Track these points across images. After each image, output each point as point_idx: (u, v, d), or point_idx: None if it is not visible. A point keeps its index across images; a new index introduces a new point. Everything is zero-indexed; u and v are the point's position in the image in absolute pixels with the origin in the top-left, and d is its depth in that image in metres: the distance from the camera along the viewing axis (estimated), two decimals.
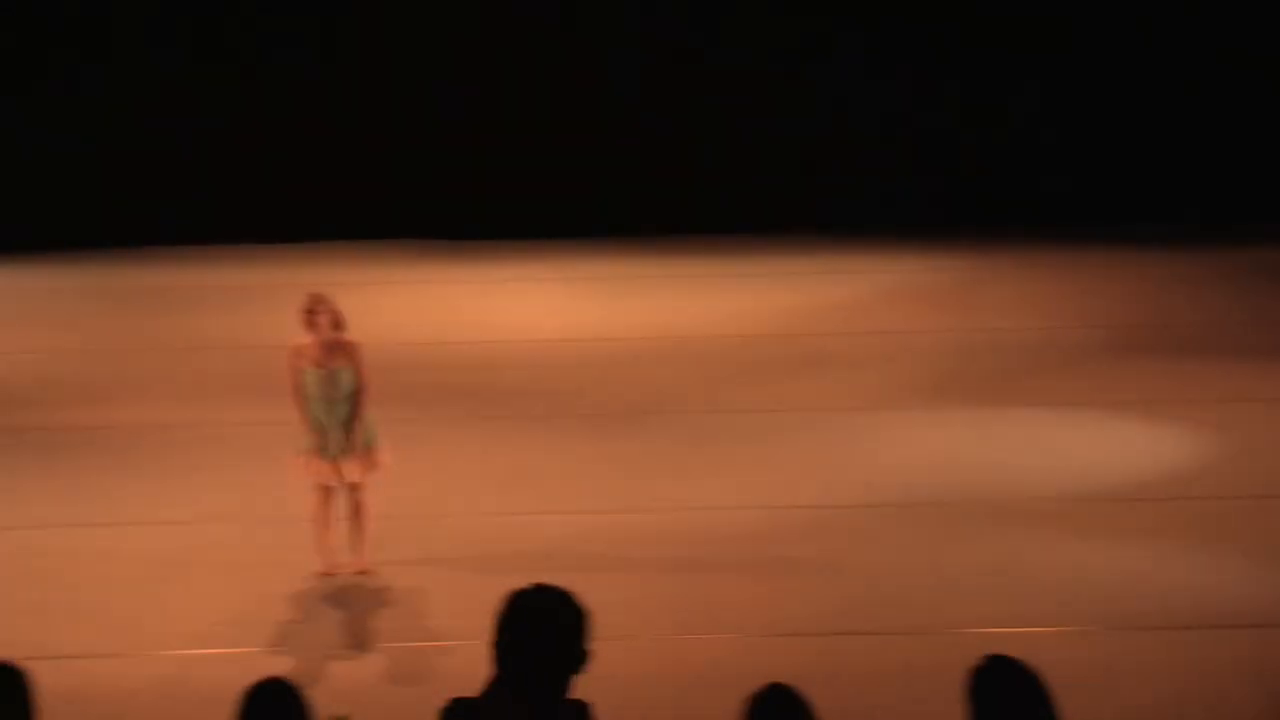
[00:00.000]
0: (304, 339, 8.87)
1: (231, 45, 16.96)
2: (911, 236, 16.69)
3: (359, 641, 8.37)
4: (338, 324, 8.85)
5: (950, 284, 15.27)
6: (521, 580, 4.09)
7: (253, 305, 14.71)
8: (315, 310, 8.81)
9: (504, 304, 14.73)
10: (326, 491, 8.92)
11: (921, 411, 11.76)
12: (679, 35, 17.05)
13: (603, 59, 17.11)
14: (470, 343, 13.53)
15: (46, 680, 4.33)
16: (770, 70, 17.14)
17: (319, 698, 4.64)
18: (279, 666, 7.82)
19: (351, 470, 8.88)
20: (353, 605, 8.77)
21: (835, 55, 17.16)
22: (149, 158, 16.93)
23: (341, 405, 8.81)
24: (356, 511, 8.99)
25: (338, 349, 8.81)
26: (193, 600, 8.75)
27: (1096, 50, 17.14)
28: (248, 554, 9.30)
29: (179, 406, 11.99)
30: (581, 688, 4.04)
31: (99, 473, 10.66)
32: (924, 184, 17.21)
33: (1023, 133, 17.23)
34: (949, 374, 12.60)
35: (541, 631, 3.84)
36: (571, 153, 17.12)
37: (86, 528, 9.74)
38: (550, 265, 15.98)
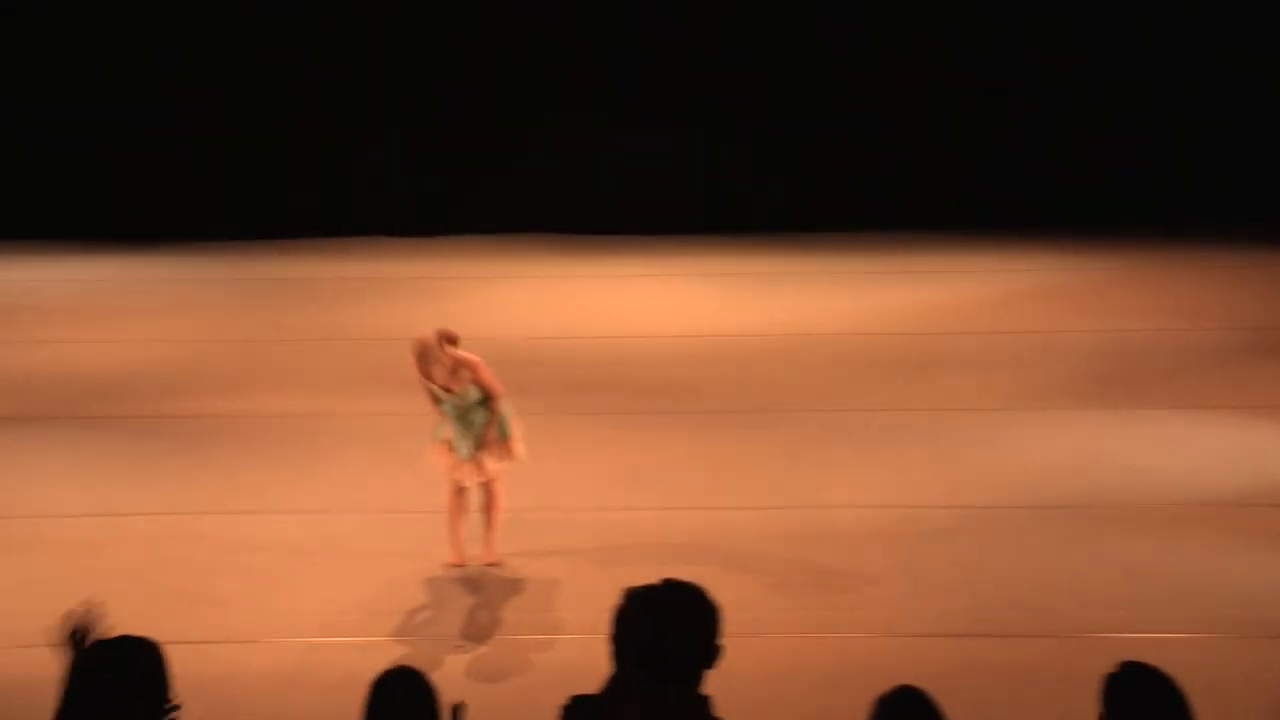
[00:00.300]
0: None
1: (375, 40, 17.11)
2: (1047, 235, 16.45)
3: (484, 632, 8.38)
4: (451, 340, 8.81)
5: (1086, 284, 15.03)
6: (648, 575, 4.05)
7: (387, 297, 14.81)
8: (424, 360, 8.73)
9: (632, 300, 14.75)
10: (460, 485, 8.94)
11: (1056, 412, 11.57)
12: (852, 30, 16.93)
13: (722, 52, 17.05)
14: (599, 338, 13.55)
15: (180, 665, 4.36)
16: (899, 66, 16.99)
17: (443, 686, 4.62)
18: (406, 655, 7.86)
19: (486, 468, 8.88)
20: (480, 596, 8.78)
21: (978, 54, 16.99)
22: (283, 150, 17.11)
23: (473, 413, 8.83)
24: (489, 504, 9.00)
25: (459, 371, 8.80)
26: (323, 588, 8.81)
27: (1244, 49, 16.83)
28: (378, 544, 9.35)
29: (315, 397, 12.09)
30: (708, 684, 3.99)
31: (235, 461, 10.77)
32: (1058, 182, 16.98)
33: (1161, 131, 16.94)
34: (1084, 375, 12.39)
35: (673, 627, 3.78)
36: (697, 149, 17.08)
37: (221, 515, 9.84)
38: (679, 261, 15.95)
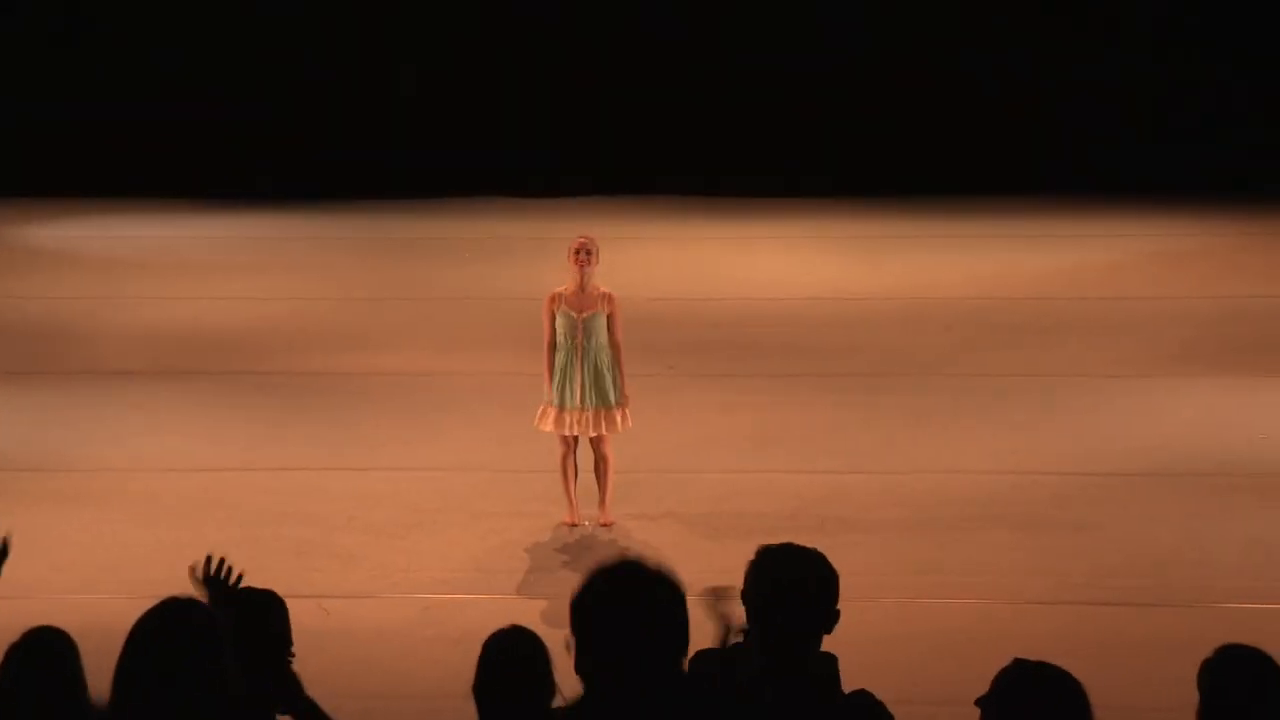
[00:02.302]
0: (563, 286, 8.83)
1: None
2: (1171, 199, 16.13)
3: None
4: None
5: (1212, 249, 14.71)
6: (766, 540, 4.00)
7: (512, 257, 14.81)
8: (588, 249, 8.76)
9: (758, 261, 14.65)
10: (570, 443, 8.91)
11: (1180, 379, 11.34)
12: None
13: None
14: (723, 299, 13.48)
15: (300, 619, 4.40)
16: (1019, 29, 16.75)
17: (556, 647, 4.59)
18: (520, 614, 7.84)
19: (593, 424, 8.84)
20: (596, 557, 8.67)
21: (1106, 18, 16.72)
22: (421, 112, 17.17)
23: (590, 355, 8.78)
24: (600, 464, 8.97)
25: (595, 296, 8.77)
26: (440, 546, 8.83)
27: None
28: (495, 503, 9.36)
29: (437, 356, 12.10)
30: (823, 648, 3.93)
31: (357, 418, 10.81)
32: (1186, 146, 16.64)
33: None
34: (1209, 341, 12.13)
35: (793, 589, 3.76)
36: (829, 110, 16.94)
37: (343, 471, 9.89)
38: (806, 223, 15.84)
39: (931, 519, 9.09)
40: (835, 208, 16.33)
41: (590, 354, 8.79)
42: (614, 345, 8.80)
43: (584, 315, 8.75)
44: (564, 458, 8.96)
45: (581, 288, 8.76)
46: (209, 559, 4.32)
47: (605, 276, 9.02)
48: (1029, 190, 16.51)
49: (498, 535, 8.92)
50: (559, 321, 8.79)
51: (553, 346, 8.82)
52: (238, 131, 17.15)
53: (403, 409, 10.96)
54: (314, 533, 8.98)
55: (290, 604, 4.31)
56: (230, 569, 4.32)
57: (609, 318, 8.78)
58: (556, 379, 8.84)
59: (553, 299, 8.82)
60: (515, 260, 14.64)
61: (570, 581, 8.87)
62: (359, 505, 9.35)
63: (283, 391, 11.40)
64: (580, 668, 3.00)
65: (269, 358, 12.14)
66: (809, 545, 3.93)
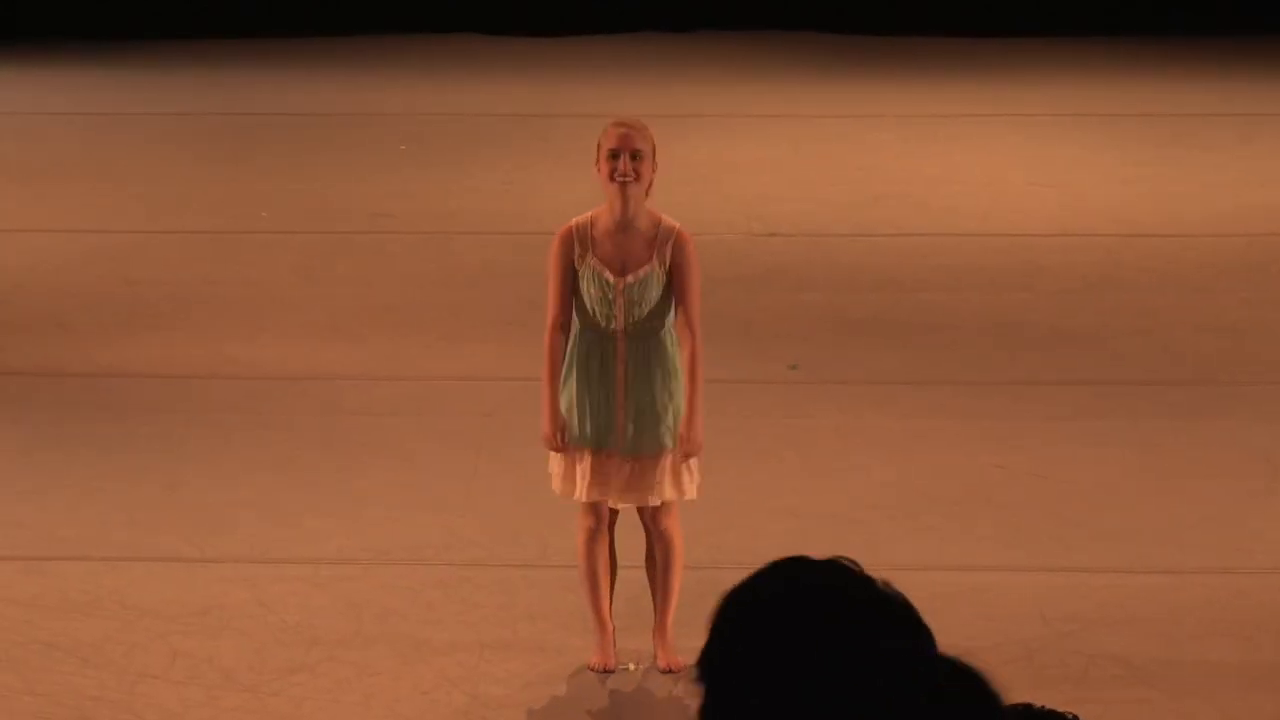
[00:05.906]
0: (588, 214, 8.89)
1: None
2: None
3: None
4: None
5: None
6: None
7: (478, 149, 14.95)
8: (632, 147, 8.76)
9: (949, 160, 14.94)
10: (604, 517, 8.94)
11: None
12: None
13: None
14: (895, 235, 13.72)
15: None
16: None
17: None
18: None
19: (639, 484, 8.88)
20: None
21: None
22: None
23: (639, 348, 8.87)
24: (661, 556, 8.95)
25: (649, 238, 8.84)
26: (345, 711, 8.78)
27: None
28: (450, 627, 9.37)
29: (332, 341, 12.32)
30: None
31: (180, 459, 10.92)
32: None
33: None
34: None
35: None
36: None
37: (152, 563, 9.93)
38: (1035, 90, 16.20)
39: None
40: (1112, 58, 16.65)
41: (639, 346, 8.87)
42: (686, 330, 8.87)
43: (629, 277, 8.83)
44: (588, 543, 8.93)
45: (623, 221, 8.83)
46: None
47: (666, 194, 9.01)
48: None
49: (459, 688, 8.87)
50: (584, 284, 8.86)
51: (566, 328, 8.90)
52: None
53: (262, 441, 11.14)
54: (95, 677, 8.95)
55: None
56: None
57: (673, 274, 8.84)
58: (568, 394, 8.87)
59: (567, 238, 8.91)
60: (488, 157, 14.72)
61: None
62: (185, 629, 9.35)
63: (37, 410, 11.56)
64: None
65: (7, 346, 12.28)
66: (1062, 711, 4.02)
